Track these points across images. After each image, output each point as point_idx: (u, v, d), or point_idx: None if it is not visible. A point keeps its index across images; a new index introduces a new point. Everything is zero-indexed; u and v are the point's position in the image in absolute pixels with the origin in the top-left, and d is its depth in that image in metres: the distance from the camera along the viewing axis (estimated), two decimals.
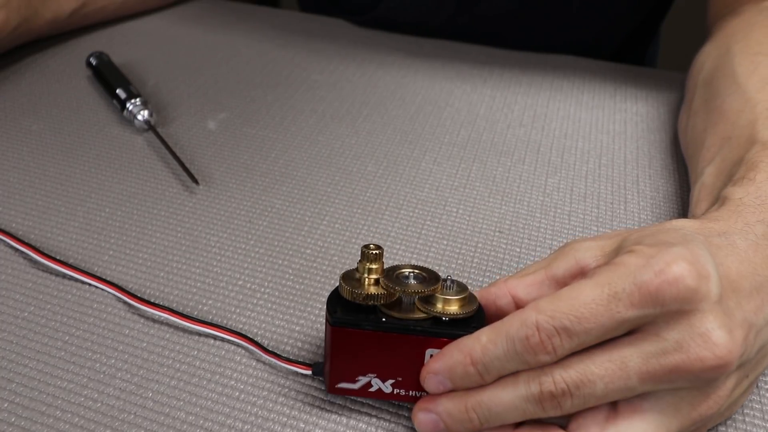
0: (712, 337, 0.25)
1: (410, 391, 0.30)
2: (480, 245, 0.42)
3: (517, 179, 0.48)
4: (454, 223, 0.44)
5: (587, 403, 0.27)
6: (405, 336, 0.29)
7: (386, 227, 0.44)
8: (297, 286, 0.39)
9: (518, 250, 0.42)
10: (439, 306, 0.29)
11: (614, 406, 0.28)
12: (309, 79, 0.60)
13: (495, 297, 0.31)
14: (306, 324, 0.37)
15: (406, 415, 0.32)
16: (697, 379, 0.26)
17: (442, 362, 0.28)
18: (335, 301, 0.30)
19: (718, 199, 0.35)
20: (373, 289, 0.30)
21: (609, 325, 0.26)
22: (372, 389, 0.31)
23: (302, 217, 0.44)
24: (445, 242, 0.43)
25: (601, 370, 0.26)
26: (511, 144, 0.52)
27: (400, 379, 0.30)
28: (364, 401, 0.33)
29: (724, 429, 0.32)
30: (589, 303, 0.26)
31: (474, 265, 0.41)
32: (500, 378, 0.28)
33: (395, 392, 0.30)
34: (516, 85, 0.60)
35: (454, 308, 0.29)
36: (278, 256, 0.41)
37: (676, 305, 0.26)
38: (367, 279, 0.30)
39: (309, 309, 0.38)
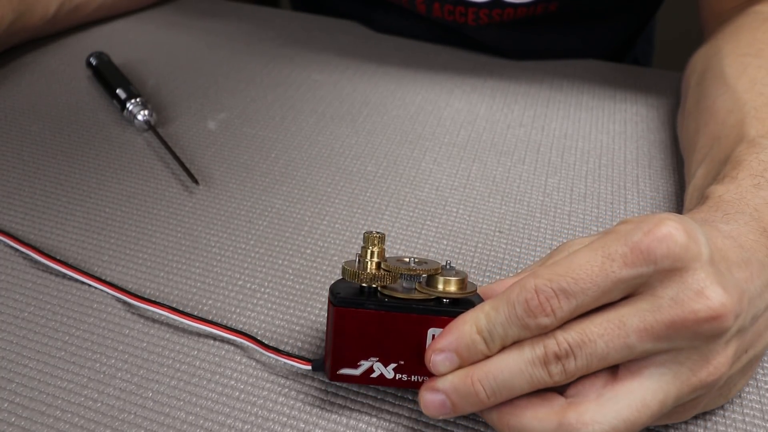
0: (706, 291, 0.26)
1: (412, 376, 0.30)
2: (480, 245, 0.42)
3: (517, 179, 0.48)
4: (454, 223, 0.44)
5: (590, 364, 0.27)
6: (407, 315, 0.30)
7: (386, 227, 0.44)
8: (297, 286, 0.39)
9: (518, 250, 0.42)
10: (440, 287, 0.30)
11: (614, 373, 0.28)
12: (309, 79, 0.60)
13: (494, 293, 0.32)
14: (306, 324, 0.37)
15: (407, 415, 0.32)
16: (695, 336, 0.26)
17: (448, 337, 0.29)
18: (338, 286, 0.31)
19: (702, 198, 0.36)
20: (375, 271, 0.30)
21: (605, 285, 0.26)
22: (374, 375, 0.30)
23: (302, 217, 0.44)
24: (445, 242, 0.43)
25: (600, 329, 0.27)
26: (511, 144, 0.52)
27: (402, 362, 0.30)
28: (364, 401, 0.33)
29: (724, 429, 0.32)
30: (584, 265, 0.27)
31: (474, 265, 0.41)
32: (505, 348, 0.28)
33: (397, 378, 0.30)
34: (516, 84, 0.60)
35: (454, 289, 0.30)
36: (278, 256, 0.41)
37: (668, 263, 0.26)
38: (369, 263, 0.30)
39: (309, 309, 0.38)
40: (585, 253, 0.27)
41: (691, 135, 0.45)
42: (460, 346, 0.28)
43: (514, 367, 0.27)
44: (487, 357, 0.28)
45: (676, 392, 0.27)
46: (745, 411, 0.33)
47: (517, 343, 0.28)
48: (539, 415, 0.27)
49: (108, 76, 0.55)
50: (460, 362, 0.28)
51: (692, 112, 0.47)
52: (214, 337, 0.36)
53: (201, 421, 0.32)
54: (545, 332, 0.27)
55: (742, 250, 0.30)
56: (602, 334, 0.27)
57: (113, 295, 0.38)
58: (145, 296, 0.37)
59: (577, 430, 0.26)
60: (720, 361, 0.27)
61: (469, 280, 0.31)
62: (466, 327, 0.28)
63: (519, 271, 0.39)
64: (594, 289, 0.27)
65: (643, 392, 0.27)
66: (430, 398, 0.29)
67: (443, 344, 0.28)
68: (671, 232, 0.26)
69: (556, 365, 0.27)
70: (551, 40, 0.66)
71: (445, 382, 0.28)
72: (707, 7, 0.58)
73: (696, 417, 0.33)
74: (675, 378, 0.27)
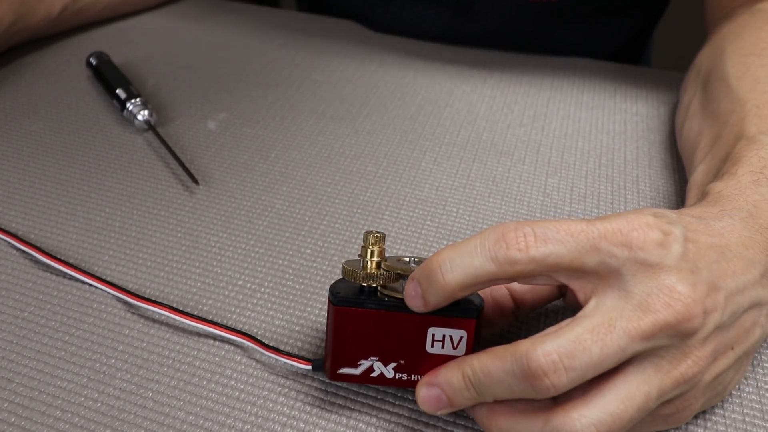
0: (677, 288, 0.26)
1: (412, 375, 0.30)
2: None
3: (517, 179, 0.48)
4: (454, 223, 0.44)
5: (584, 375, 0.26)
6: (407, 314, 0.30)
7: (386, 227, 0.44)
8: (297, 286, 0.39)
9: None
10: None
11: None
12: (309, 79, 0.60)
13: (491, 289, 0.33)
14: (306, 324, 0.37)
15: (407, 415, 0.32)
16: (675, 334, 0.26)
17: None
18: (338, 286, 0.31)
19: (702, 195, 0.36)
20: (374, 271, 0.30)
21: (579, 241, 0.26)
22: (374, 374, 0.30)
23: (302, 217, 0.44)
24: (445, 242, 0.43)
25: (593, 335, 0.26)
26: (511, 144, 0.52)
27: (402, 362, 0.30)
28: (364, 401, 0.33)
29: (724, 429, 0.32)
30: (566, 222, 0.27)
31: None
32: (490, 348, 0.28)
33: (397, 377, 0.30)
34: (516, 85, 0.60)
35: None
36: (278, 256, 0.41)
37: (642, 254, 0.26)
38: (369, 262, 0.30)
39: (309, 309, 0.38)
40: (571, 220, 0.28)
41: (694, 136, 0.45)
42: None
43: (495, 376, 0.27)
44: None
45: (659, 384, 0.27)
46: (745, 411, 0.33)
47: (502, 346, 0.27)
48: (526, 415, 0.27)
49: (108, 76, 0.55)
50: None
51: (696, 114, 0.47)
52: (214, 337, 0.36)
53: (201, 421, 0.32)
54: (515, 268, 0.26)
55: (727, 248, 0.30)
56: (596, 340, 0.26)
57: (113, 295, 0.38)
58: (145, 296, 0.38)
59: (564, 425, 0.26)
60: (698, 355, 0.27)
61: None
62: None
63: None
64: (570, 241, 0.26)
65: (627, 386, 0.27)
66: (427, 393, 0.29)
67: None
68: (649, 226, 0.27)
69: (541, 380, 0.26)
70: (558, 35, 0.66)
71: (439, 377, 0.29)
72: (713, 4, 0.58)
73: (696, 417, 0.33)
74: (657, 370, 0.27)
